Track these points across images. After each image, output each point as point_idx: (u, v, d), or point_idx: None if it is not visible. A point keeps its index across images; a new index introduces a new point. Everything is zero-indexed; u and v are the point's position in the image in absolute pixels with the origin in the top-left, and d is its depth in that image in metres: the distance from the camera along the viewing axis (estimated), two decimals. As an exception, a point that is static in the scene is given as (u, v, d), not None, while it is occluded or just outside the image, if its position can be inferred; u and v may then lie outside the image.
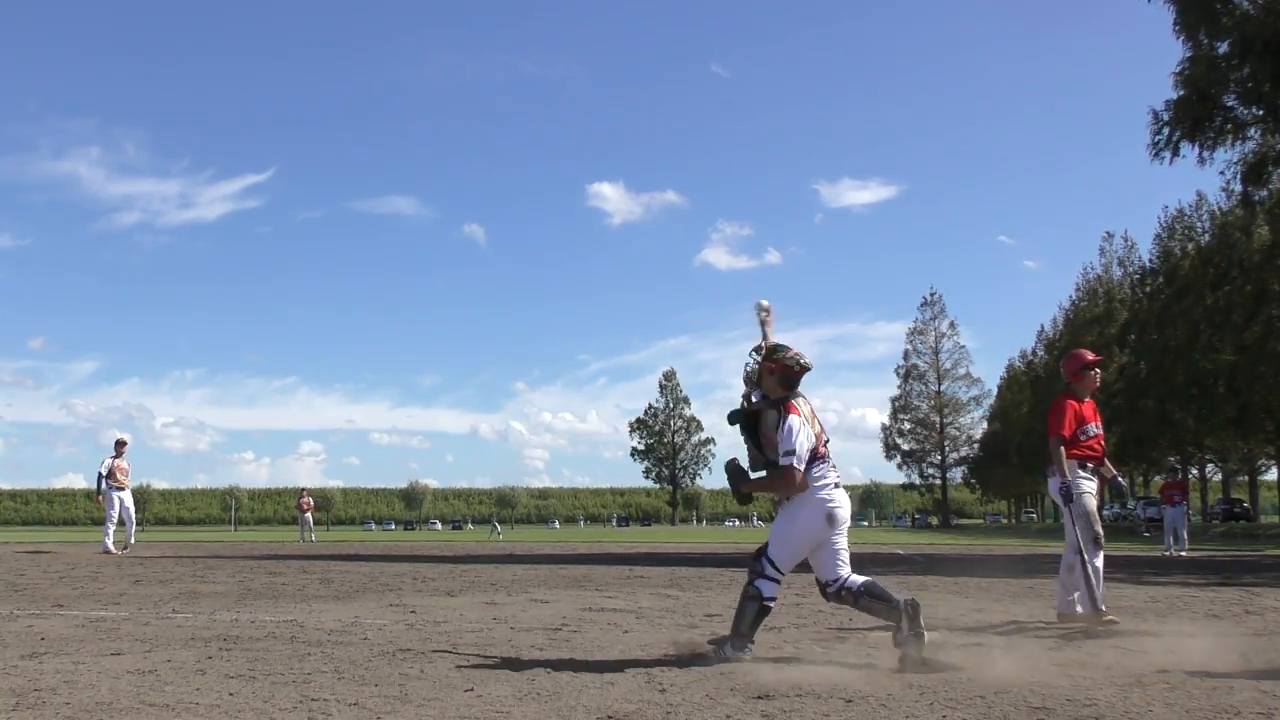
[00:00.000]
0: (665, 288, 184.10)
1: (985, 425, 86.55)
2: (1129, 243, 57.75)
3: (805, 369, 4.83)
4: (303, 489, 31.92)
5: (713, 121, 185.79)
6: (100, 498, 16.35)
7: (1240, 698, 3.89)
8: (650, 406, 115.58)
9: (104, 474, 16.18)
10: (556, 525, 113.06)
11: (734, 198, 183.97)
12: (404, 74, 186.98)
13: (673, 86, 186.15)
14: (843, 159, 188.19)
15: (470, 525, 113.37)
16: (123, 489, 16.37)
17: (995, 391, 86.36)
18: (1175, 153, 22.09)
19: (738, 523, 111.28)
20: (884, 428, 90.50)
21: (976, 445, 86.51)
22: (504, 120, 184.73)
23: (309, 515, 27.44)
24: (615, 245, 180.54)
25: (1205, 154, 22.00)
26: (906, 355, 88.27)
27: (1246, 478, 58.97)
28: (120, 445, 16.56)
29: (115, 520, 16.29)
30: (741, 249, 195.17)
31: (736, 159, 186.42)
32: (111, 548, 15.96)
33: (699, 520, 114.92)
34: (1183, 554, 18.63)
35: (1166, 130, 22.15)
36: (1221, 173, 23.60)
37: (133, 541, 16.78)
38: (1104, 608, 6.11)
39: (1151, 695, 3.94)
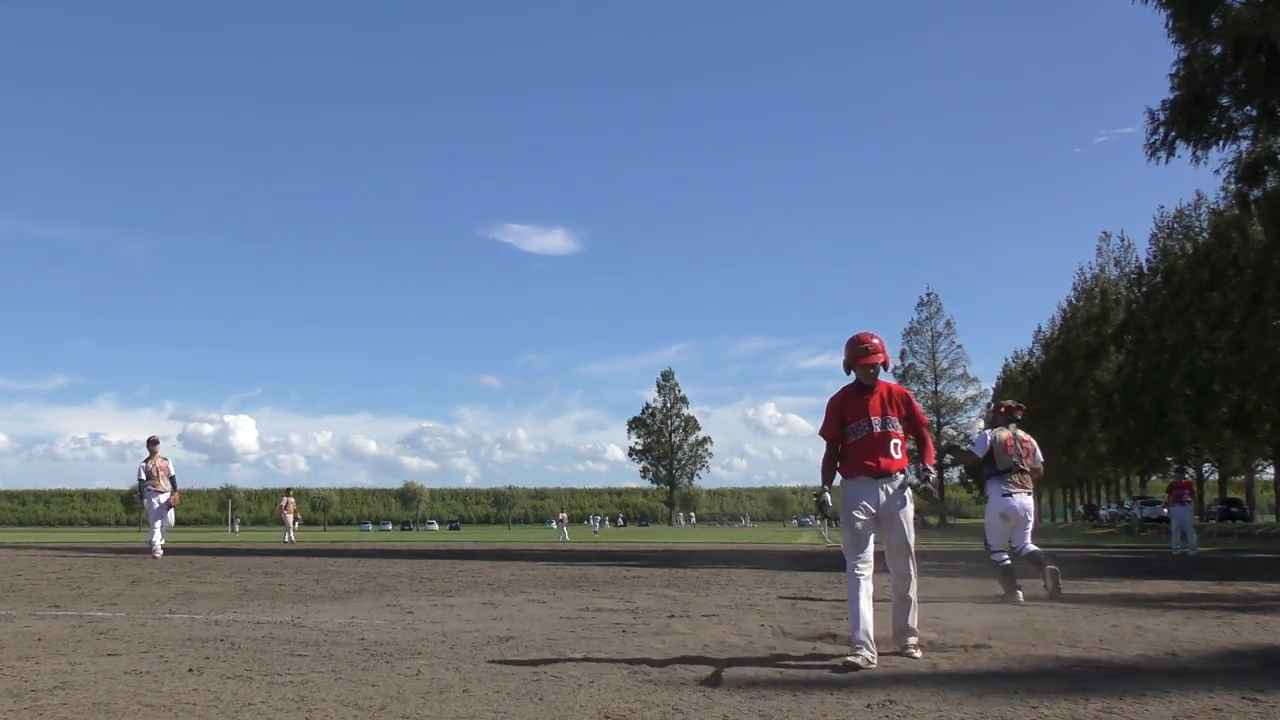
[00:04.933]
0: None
1: (982, 425, 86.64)
2: (1126, 243, 57.91)
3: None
4: (287, 489, 32.60)
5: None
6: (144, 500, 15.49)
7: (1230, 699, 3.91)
8: (648, 406, 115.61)
9: (142, 478, 15.34)
10: (554, 526, 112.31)
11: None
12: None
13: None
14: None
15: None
16: (158, 491, 15.31)
17: (992, 391, 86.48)
18: (1171, 152, 22.10)
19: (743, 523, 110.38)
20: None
21: (973, 445, 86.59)
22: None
23: (289, 516, 28.06)
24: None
25: (1200, 154, 22.04)
26: (903, 355, 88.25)
27: (1243, 477, 59.00)
28: (151, 444, 15.48)
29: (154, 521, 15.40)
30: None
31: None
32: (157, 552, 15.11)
33: (686, 520, 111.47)
34: (1191, 552, 18.53)
35: (1163, 130, 22.18)
36: (1217, 172, 23.67)
37: (156, 543, 15.22)
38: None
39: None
